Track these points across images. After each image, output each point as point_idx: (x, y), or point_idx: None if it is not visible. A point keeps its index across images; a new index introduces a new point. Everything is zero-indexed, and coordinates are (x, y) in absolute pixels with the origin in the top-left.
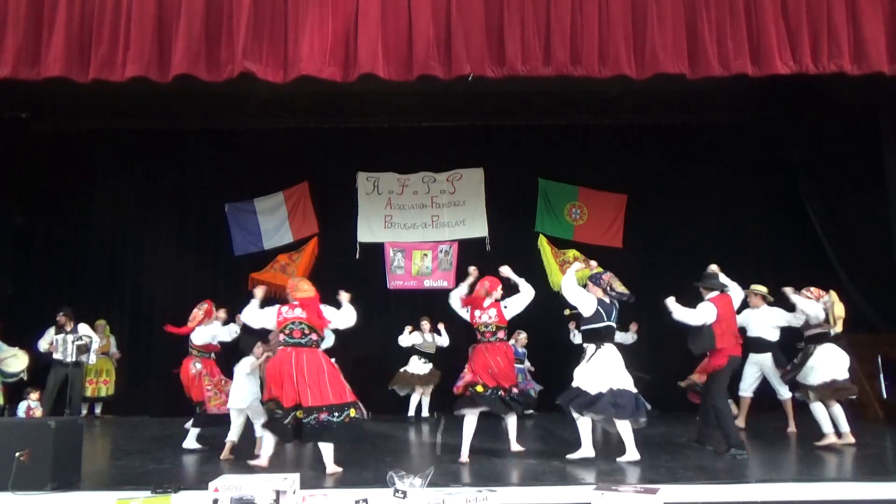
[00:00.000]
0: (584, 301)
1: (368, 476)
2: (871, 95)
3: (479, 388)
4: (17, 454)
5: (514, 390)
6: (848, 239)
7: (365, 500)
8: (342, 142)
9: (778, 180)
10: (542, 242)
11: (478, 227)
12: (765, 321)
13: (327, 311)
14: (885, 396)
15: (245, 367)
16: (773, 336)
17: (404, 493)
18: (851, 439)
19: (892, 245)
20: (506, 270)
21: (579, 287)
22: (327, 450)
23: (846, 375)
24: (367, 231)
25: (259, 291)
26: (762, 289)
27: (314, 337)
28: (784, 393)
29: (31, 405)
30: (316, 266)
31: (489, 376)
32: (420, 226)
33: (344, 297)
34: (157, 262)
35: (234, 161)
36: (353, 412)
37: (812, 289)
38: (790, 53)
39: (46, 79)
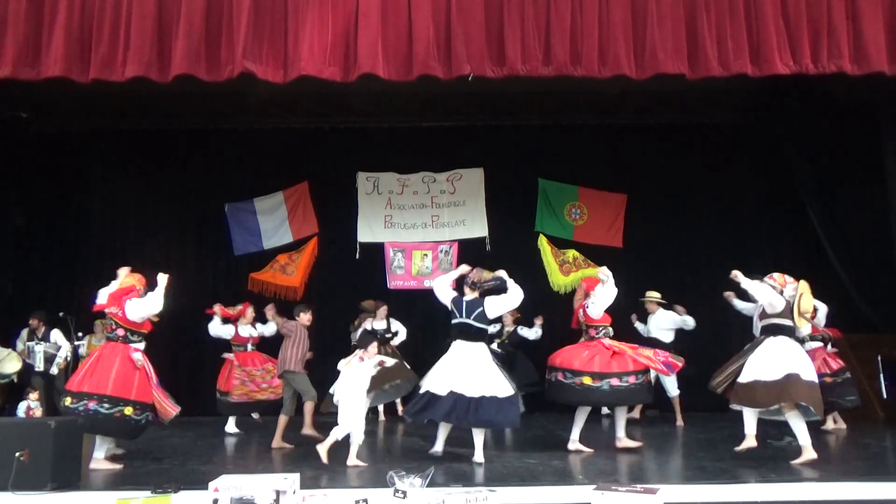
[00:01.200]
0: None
1: (368, 476)
2: (871, 95)
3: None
4: (17, 454)
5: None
6: (848, 239)
7: (365, 500)
8: (342, 142)
9: (778, 180)
10: (543, 242)
11: (478, 227)
12: (659, 324)
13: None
14: (885, 396)
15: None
16: (667, 338)
17: (404, 493)
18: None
19: (892, 245)
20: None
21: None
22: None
23: (809, 377)
24: (367, 231)
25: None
26: (656, 294)
27: (120, 333)
28: (672, 391)
29: (30, 405)
30: (316, 266)
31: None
32: (420, 226)
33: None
34: (156, 262)
35: (234, 161)
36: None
37: (776, 275)
38: (790, 53)
39: (46, 79)
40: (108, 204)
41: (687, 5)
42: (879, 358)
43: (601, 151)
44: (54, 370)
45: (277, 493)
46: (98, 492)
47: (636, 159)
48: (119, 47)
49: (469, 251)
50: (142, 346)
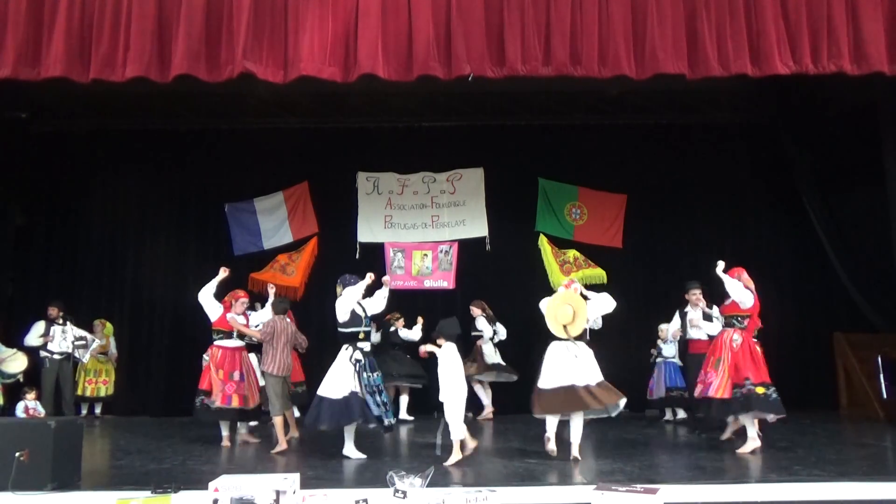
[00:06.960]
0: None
1: (368, 476)
2: (871, 95)
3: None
4: (17, 454)
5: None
6: (848, 238)
7: (365, 500)
8: (342, 142)
9: (778, 180)
10: (543, 242)
11: (478, 227)
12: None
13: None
14: (885, 396)
15: None
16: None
17: (404, 493)
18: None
19: (891, 244)
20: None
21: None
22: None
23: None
24: (367, 231)
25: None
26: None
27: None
28: None
29: (28, 405)
30: (316, 266)
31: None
32: (420, 226)
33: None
34: (156, 262)
35: (234, 161)
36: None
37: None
38: (790, 53)
39: (46, 79)
40: (108, 204)
41: (687, 5)
42: (879, 358)
43: (601, 151)
44: (87, 357)
45: (277, 493)
46: (98, 492)
47: (636, 159)
48: (119, 47)
49: (469, 251)
50: (223, 343)
